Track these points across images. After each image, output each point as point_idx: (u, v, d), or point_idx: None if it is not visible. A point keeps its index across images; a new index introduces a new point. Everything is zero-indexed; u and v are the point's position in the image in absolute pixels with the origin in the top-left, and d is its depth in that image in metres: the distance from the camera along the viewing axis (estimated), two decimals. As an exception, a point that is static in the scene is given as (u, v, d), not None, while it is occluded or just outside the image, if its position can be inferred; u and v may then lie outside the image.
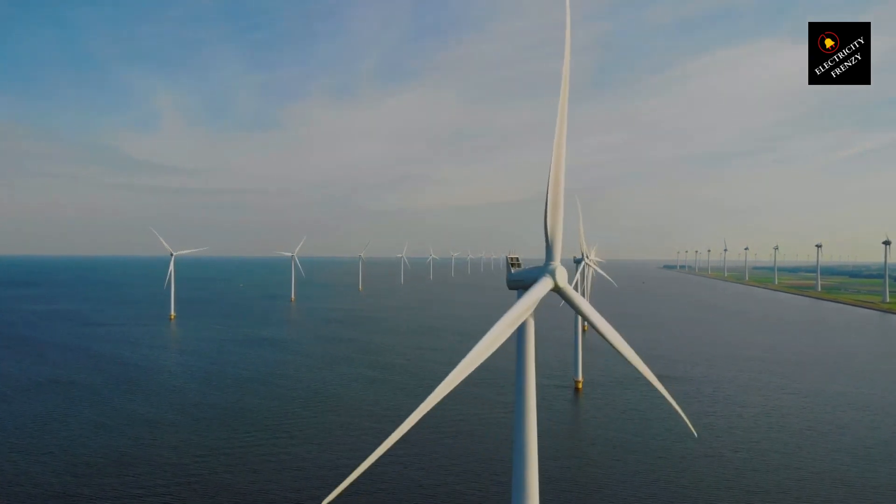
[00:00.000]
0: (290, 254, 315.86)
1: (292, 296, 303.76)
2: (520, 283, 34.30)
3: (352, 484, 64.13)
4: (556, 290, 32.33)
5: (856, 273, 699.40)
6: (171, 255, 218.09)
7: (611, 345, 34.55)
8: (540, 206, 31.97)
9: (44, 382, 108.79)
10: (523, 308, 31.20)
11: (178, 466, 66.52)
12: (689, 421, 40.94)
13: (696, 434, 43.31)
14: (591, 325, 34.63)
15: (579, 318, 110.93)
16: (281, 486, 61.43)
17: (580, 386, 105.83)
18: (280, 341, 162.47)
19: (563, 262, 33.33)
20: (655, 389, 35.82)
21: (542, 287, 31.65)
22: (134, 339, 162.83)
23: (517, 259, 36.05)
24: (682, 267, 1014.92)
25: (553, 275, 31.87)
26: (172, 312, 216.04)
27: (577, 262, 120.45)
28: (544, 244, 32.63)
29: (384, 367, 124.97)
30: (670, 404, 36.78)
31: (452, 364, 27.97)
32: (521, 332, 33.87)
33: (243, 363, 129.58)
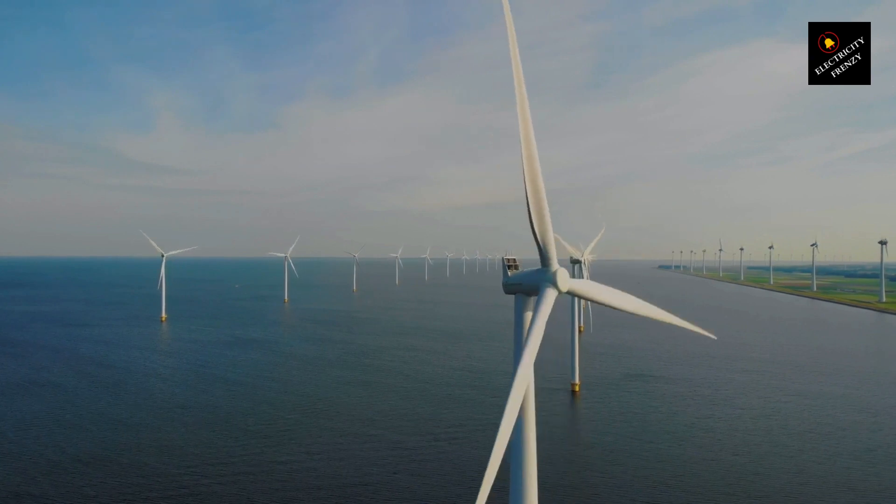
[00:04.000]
0: (283, 254, 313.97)
1: (285, 297, 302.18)
2: (517, 287, 32.53)
3: (342, 492, 62.39)
4: (563, 293, 30.64)
5: (851, 273, 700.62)
6: (163, 256, 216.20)
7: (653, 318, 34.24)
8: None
9: (27, 384, 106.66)
10: (541, 326, 29.34)
11: (162, 472, 64.66)
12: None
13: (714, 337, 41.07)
14: (622, 310, 33.30)
15: (576, 319, 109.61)
16: (269, 493, 59.67)
17: (577, 388, 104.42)
18: (271, 343, 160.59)
19: (561, 263, 31.77)
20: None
21: (549, 299, 29.69)
22: (122, 341, 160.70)
23: (514, 261, 33.96)
24: (678, 267, 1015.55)
25: (554, 282, 29.97)
26: (164, 314, 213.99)
27: (575, 262, 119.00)
28: (537, 249, 31.02)
29: (377, 370, 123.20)
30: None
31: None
32: (518, 334, 32.43)
33: (233, 366, 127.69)
